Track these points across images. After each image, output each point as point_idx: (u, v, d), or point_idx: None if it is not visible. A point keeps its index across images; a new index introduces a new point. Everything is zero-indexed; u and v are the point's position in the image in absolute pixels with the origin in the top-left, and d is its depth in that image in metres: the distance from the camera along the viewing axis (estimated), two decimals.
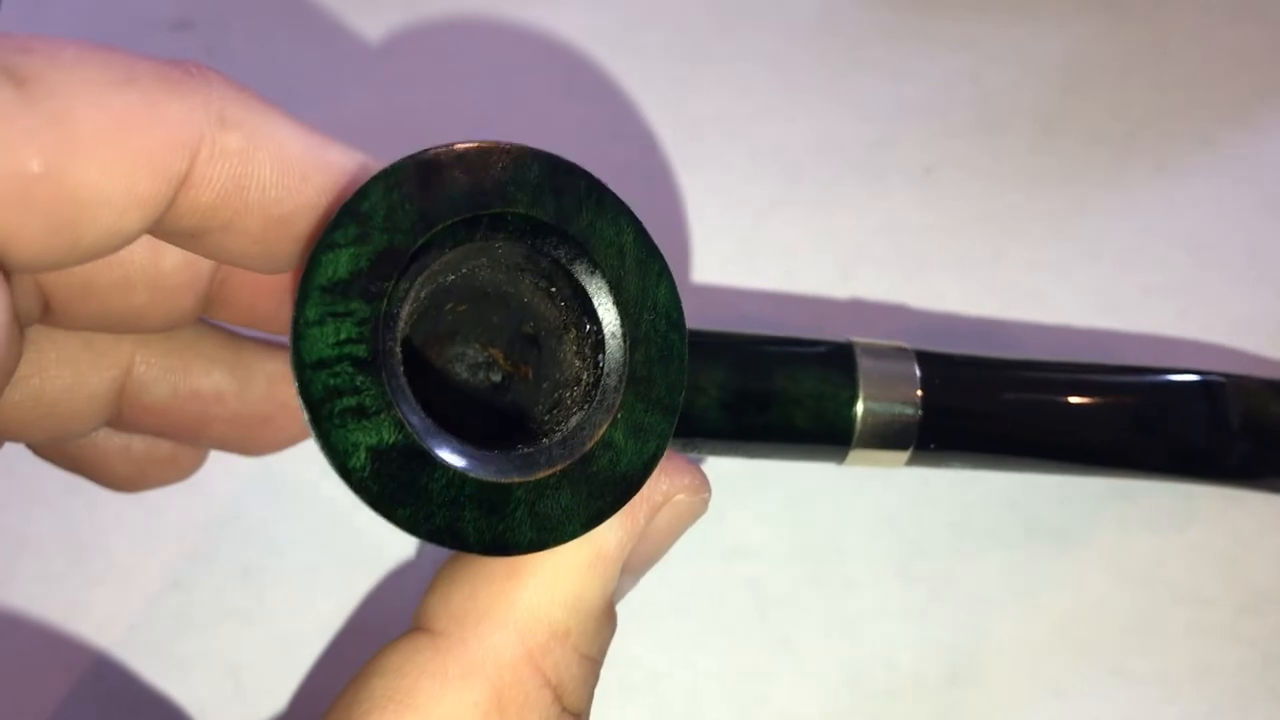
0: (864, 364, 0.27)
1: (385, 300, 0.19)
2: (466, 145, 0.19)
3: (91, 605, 0.31)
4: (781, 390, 0.27)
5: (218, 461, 0.32)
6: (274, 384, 0.25)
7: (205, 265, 0.23)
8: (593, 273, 0.20)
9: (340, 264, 0.18)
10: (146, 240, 0.22)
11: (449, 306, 0.22)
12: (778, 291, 0.35)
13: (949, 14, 0.40)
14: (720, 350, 0.27)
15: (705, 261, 0.36)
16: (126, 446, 0.26)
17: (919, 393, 0.28)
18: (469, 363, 0.23)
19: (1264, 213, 0.37)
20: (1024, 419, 0.29)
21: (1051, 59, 0.39)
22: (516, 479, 0.19)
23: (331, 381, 0.18)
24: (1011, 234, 0.37)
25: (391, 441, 0.18)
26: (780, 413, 0.27)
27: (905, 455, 0.28)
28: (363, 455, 0.18)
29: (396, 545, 0.32)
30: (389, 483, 0.18)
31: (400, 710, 0.19)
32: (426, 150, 0.19)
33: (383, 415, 0.18)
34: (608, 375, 0.20)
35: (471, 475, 0.19)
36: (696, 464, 0.22)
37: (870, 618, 0.31)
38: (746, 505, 0.32)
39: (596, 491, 0.20)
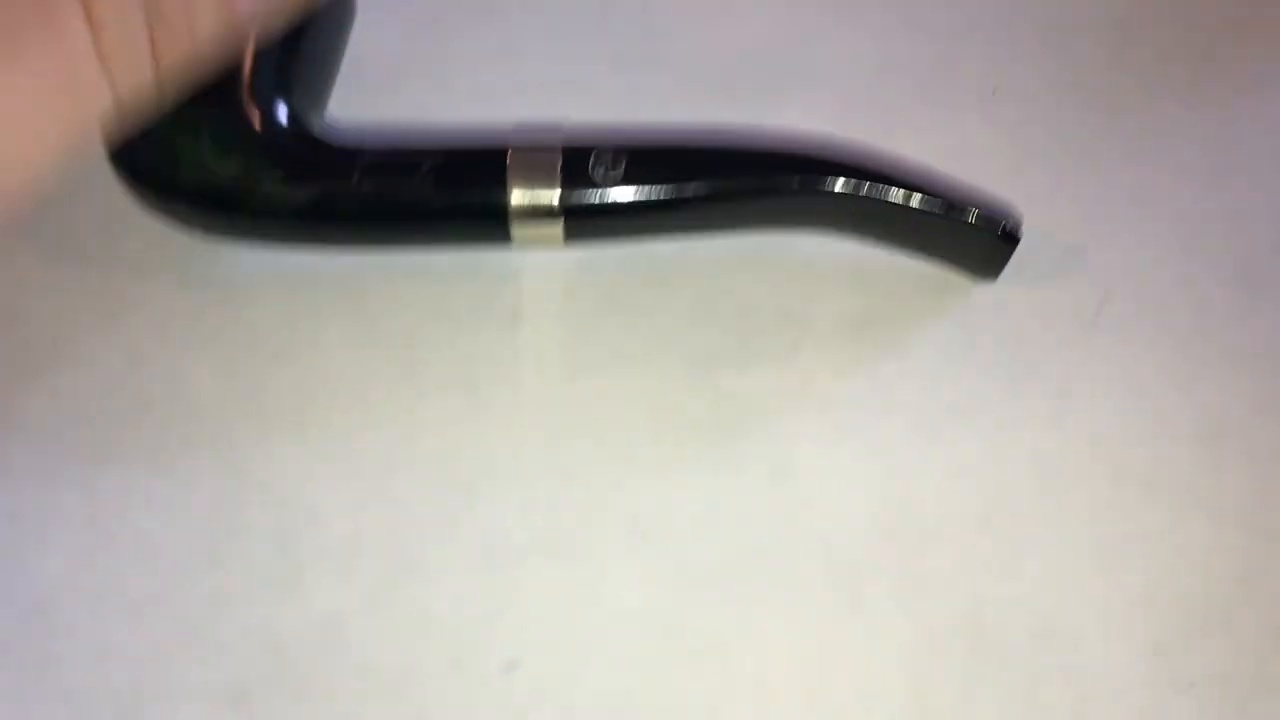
0: (514, 155, 0.30)
1: None
2: None
3: (121, 587, 0.29)
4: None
5: (249, 429, 0.31)
6: None
7: None
8: None
9: None
10: None
11: None
12: None
13: None
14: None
15: None
16: None
17: (559, 169, 0.30)
18: None
19: None
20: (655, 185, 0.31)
21: None
22: None
23: None
24: (1083, 156, 0.34)
25: None
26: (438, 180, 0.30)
27: (559, 229, 0.31)
28: None
29: (435, 509, 0.30)
30: None
31: None
32: None
33: None
34: None
35: None
36: None
37: (949, 575, 0.29)
38: (811, 456, 0.30)
39: None
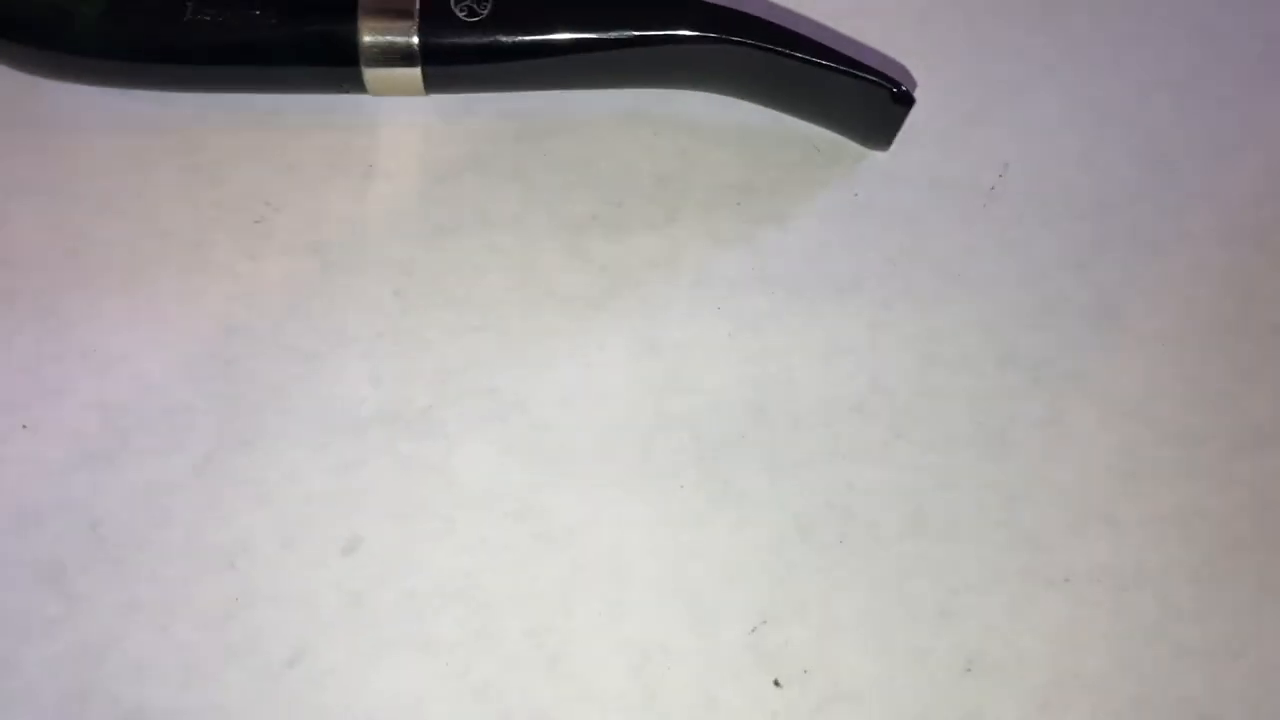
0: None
1: None
2: None
3: None
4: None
5: (74, 284, 0.28)
6: None
7: None
8: None
9: None
10: None
11: None
12: None
13: None
14: None
15: None
16: None
17: (417, 6, 0.28)
18: None
19: None
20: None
21: None
22: None
23: None
24: (984, 19, 0.32)
25: None
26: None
27: (418, 74, 0.28)
28: None
29: (274, 376, 0.27)
30: None
31: None
32: None
33: None
34: None
35: None
36: None
37: (822, 459, 0.27)
38: (683, 331, 0.28)
39: None
